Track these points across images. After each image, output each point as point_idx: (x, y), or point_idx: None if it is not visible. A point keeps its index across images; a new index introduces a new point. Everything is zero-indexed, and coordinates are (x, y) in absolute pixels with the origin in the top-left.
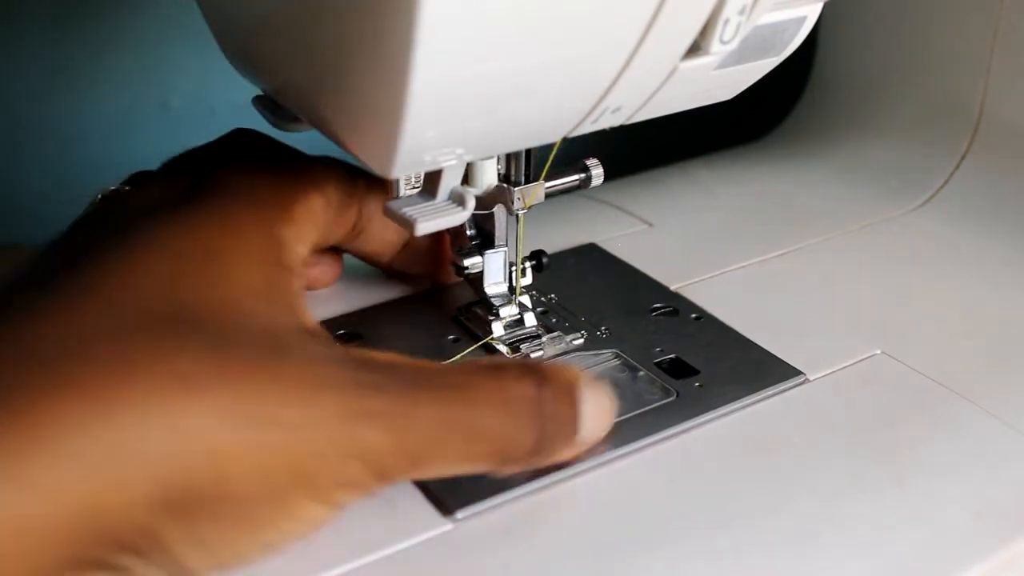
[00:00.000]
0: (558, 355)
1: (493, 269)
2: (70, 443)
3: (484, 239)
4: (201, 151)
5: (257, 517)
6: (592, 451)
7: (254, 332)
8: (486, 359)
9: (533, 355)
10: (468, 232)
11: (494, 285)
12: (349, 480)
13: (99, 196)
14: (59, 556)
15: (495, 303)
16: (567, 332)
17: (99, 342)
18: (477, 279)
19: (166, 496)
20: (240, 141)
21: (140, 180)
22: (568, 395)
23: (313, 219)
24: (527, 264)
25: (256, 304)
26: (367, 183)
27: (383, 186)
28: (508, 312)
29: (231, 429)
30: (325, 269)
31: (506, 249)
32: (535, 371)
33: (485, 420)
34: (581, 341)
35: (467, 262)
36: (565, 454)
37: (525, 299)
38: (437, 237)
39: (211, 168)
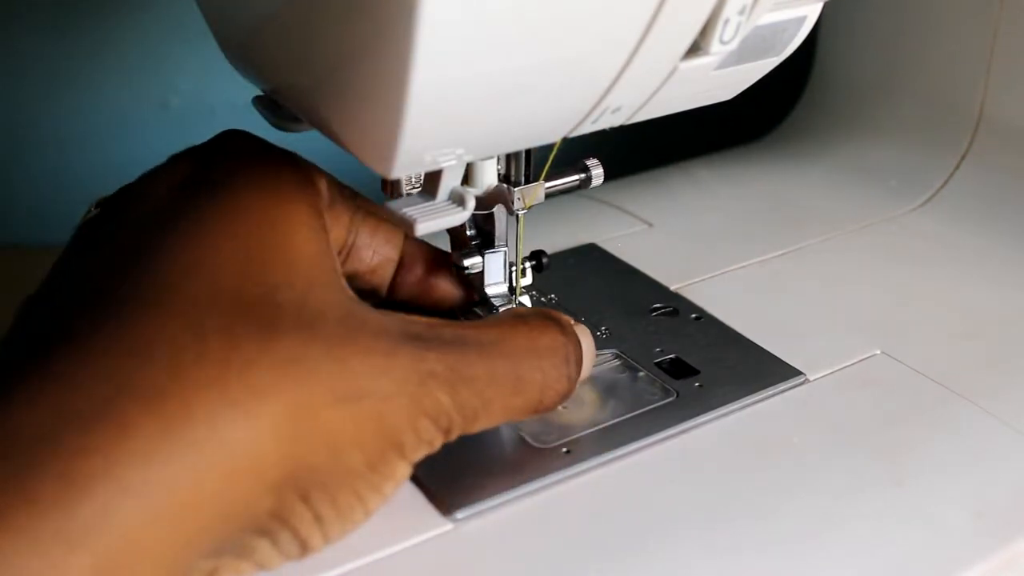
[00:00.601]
0: None
1: (493, 269)
2: (203, 436)
3: (484, 239)
4: (198, 150)
5: (363, 485)
6: (592, 451)
7: (330, 304)
8: (508, 311)
9: None
10: (468, 232)
11: (494, 285)
12: (424, 439)
13: (95, 204)
14: (200, 543)
15: (495, 303)
16: None
17: (210, 336)
18: (477, 279)
19: (292, 477)
20: (233, 138)
21: (128, 191)
22: (576, 338)
23: (327, 190)
24: (527, 264)
25: (321, 274)
26: (355, 193)
27: (368, 201)
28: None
29: (334, 404)
30: None
31: (506, 249)
32: (554, 319)
33: (526, 371)
34: None
35: (467, 262)
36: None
37: (525, 299)
38: (427, 266)
39: (218, 155)
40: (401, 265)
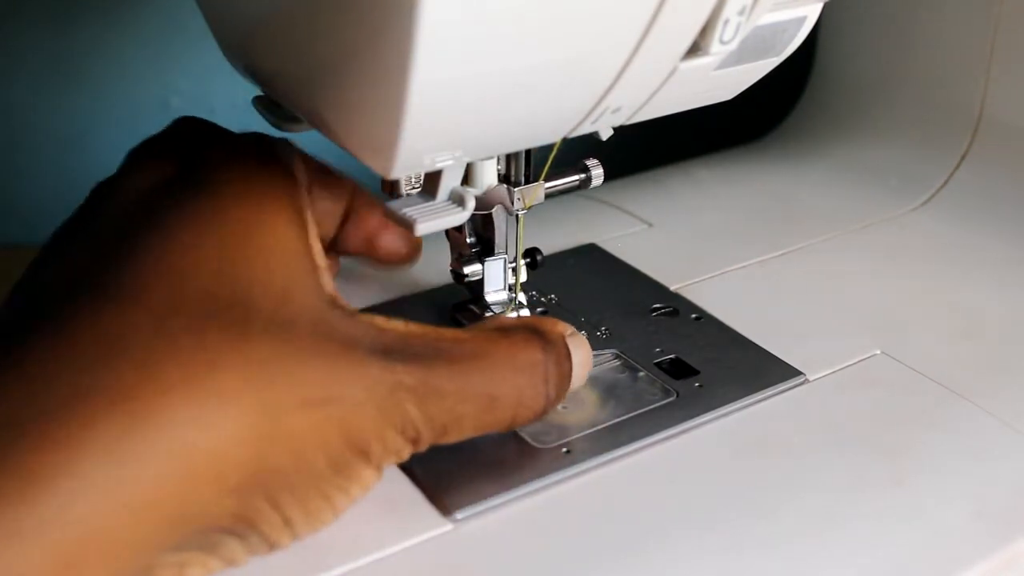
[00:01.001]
0: None
1: (493, 277)
2: (165, 437)
3: (484, 247)
4: (160, 140)
5: (330, 487)
6: (592, 451)
7: (305, 308)
8: (491, 321)
9: None
10: (468, 240)
11: (494, 293)
12: (391, 448)
13: None
14: (159, 540)
15: (494, 309)
16: None
17: (180, 336)
18: (477, 286)
19: (257, 480)
20: (191, 126)
21: (106, 187)
22: (565, 353)
23: (304, 175)
24: (523, 262)
25: (299, 276)
26: (308, 157)
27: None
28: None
29: (299, 408)
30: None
31: (505, 256)
32: (539, 333)
33: (500, 389)
34: None
35: (467, 270)
36: (558, 407)
37: (522, 297)
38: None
39: (196, 148)
40: (346, 220)
